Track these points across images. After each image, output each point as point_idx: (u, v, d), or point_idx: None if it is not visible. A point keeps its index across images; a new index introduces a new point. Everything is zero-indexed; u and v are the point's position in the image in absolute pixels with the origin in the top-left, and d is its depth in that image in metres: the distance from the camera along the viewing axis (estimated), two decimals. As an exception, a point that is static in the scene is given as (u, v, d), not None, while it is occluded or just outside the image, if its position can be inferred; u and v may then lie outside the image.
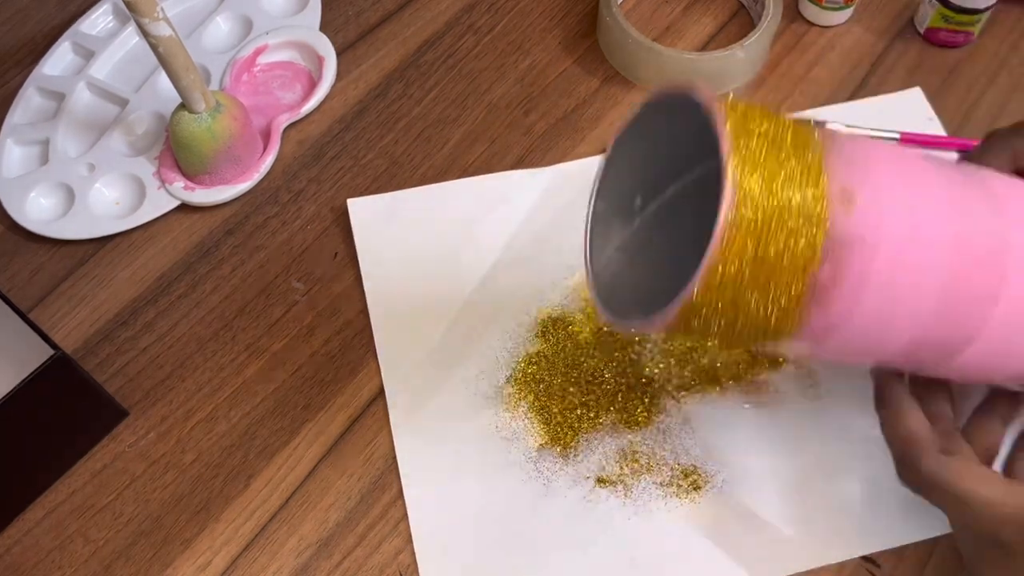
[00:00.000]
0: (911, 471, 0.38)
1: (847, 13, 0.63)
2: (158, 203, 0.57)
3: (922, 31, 0.63)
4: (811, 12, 0.64)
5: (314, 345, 0.52)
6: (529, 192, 0.56)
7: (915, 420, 0.39)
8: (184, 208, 0.57)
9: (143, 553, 0.46)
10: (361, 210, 0.56)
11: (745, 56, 0.59)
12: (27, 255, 0.56)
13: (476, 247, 0.54)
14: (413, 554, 0.46)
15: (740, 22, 0.65)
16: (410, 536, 0.46)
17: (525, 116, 0.61)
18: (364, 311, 0.53)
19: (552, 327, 0.51)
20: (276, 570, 0.46)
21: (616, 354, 0.50)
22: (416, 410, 0.49)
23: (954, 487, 0.36)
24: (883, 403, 0.40)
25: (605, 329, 0.51)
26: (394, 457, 0.48)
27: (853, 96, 0.61)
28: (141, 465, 0.49)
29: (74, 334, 0.53)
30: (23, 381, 0.41)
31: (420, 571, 0.45)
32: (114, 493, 0.48)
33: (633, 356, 0.50)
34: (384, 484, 0.48)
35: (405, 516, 0.47)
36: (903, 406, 0.39)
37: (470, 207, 0.56)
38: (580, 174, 0.57)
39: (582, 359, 0.50)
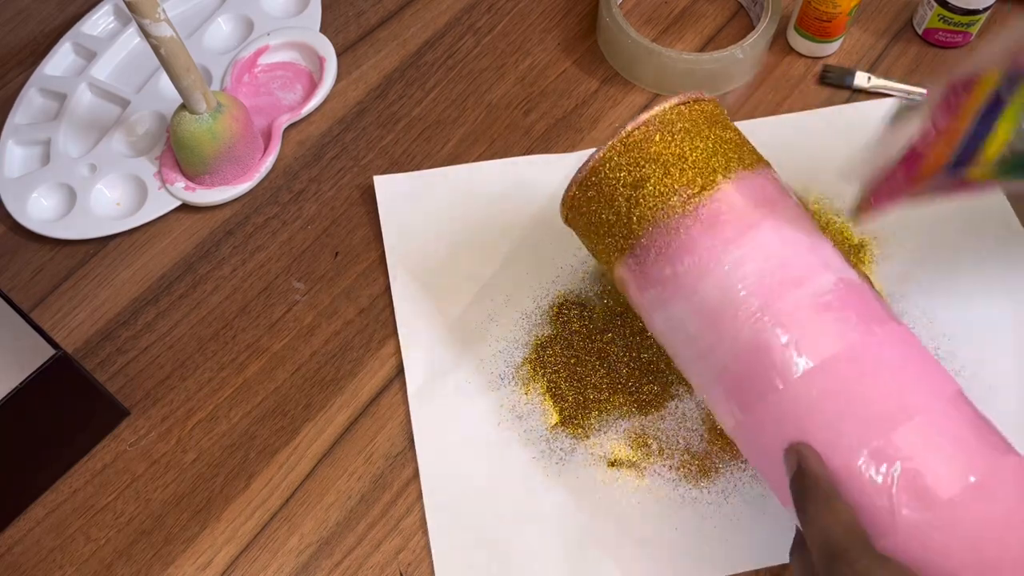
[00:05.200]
0: (850, 567, 0.33)
1: (835, 45, 0.63)
2: (159, 203, 0.57)
3: (921, 32, 0.64)
4: (799, 43, 0.63)
5: (314, 345, 0.52)
6: (552, 176, 0.57)
7: (850, 510, 0.35)
8: (185, 208, 0.57)
9: (144, 552, 0.46)
10: (386, 187, 0.57)
11: (744, 57, 0.59)
12: (28, 255, 0.56)
13: (498, 228, 0.55)
14: (413, 552, 0.46)
15: (739, 23, 0.65)
16: (410, 535, 0.46)
17: (525, 116, 0.61)
18: (364, 311, 0.53)
19: (568, 310, 0.52)
20: (277, 569, 0.46)
21: (630, 339, 0.51)
22: (433, 385, 0.50)
23: None
24: (813, 491, 0.35)
25: (620, 314, 0.52)
26: (395, 456, 0.49)
27: (852, 97, 0.61)
28: (142, 464, 0.49)
29: (75, 334, 0.53)
30: (24, 381, 0.41)
31: (432, 543, 0.46)
32: (115, 492, 0.48)
33: (648, 341, 0.51)
34: (385, 483, 0.48)
35: (406, 515, 0.47)
36: (836, 493, 0.35)
37: (493, 189, 0.57)
38: None
39: (596, 343, 0.51)
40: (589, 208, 0.43)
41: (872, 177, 0.40)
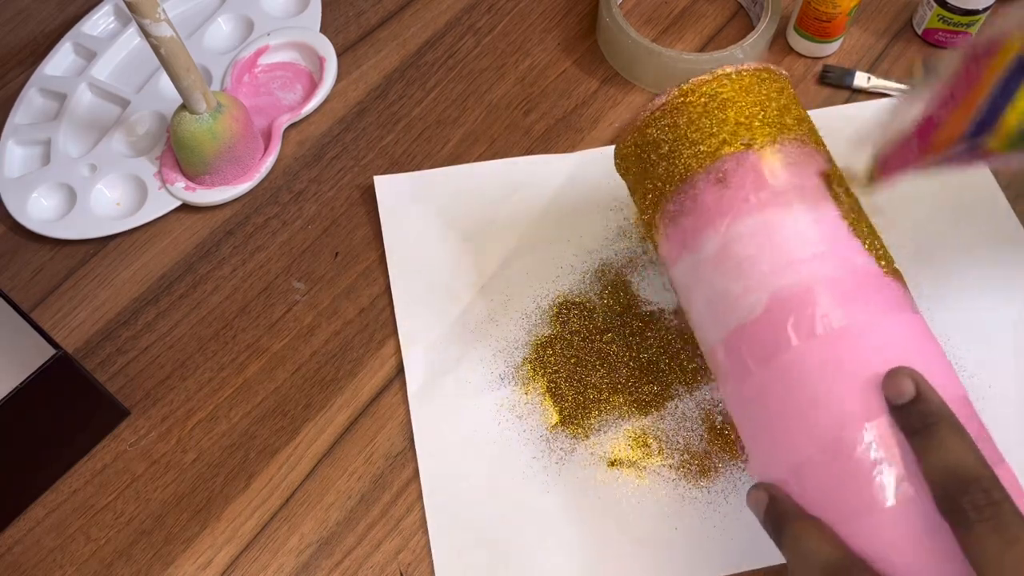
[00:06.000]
0: (985, 494, 0.32)
1: (835, 45, 0.63)
2: (159, 203, 0.57)
3: (920, 32, 0.64)
4: (799, 43, 0.63)
5: (314, 345, 0.52)
6: (553, 176, 0.57)
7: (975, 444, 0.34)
8: (185, 208, 0.57)
9: (144, 552, 0.46)
10: (387, 187, 0.57)
11: (744, 57, 0.59)
12: (28, 255, 0.56)
13: (498, 228, 0.55)
14: (413, 552, 0.46)
15: (739, 23, 0.65)
16: (410, 535, 0.46)
17: (525, 116, 0.61)
18: (364, 311, 0.53)
19: (569, 311, 0.52)
20: (277, 569, 0.46)
21: (630, 339, 0.51)
22: (433, 385, 0.50)
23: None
24: (939, 418, 0.34)
25: (620, 314, 0.52)
26: (395, 456, 0.49)
27: (852, 97, 0.61)
28: (142, 464, 0.49)
29: (75, 334, 0.53)
30: (25, 381, 0.41)
31: (432, 543, 0.46)
32: (115, 492, 0.48)
33: (647, 341, 0.51)
34: (385, 483, 0.48)
35: (406, 515, 0.47)
36: (961, 424, 0.34)
37: (494, 189, 0.57)
38: (604, 160, 0.57)
39: (597, 343, 0.51)
40: (695, 107, 0.42)
41: (886, 144, 0.39)
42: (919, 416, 0.34)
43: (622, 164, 0.47)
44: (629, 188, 0.47)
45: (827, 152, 0.43)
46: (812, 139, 0.43)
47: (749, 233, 0.39)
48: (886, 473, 0.34)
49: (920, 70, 0.37)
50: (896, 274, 0.40)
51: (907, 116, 0.37)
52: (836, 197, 0.40)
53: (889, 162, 0.39)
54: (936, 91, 0.36)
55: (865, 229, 0.40)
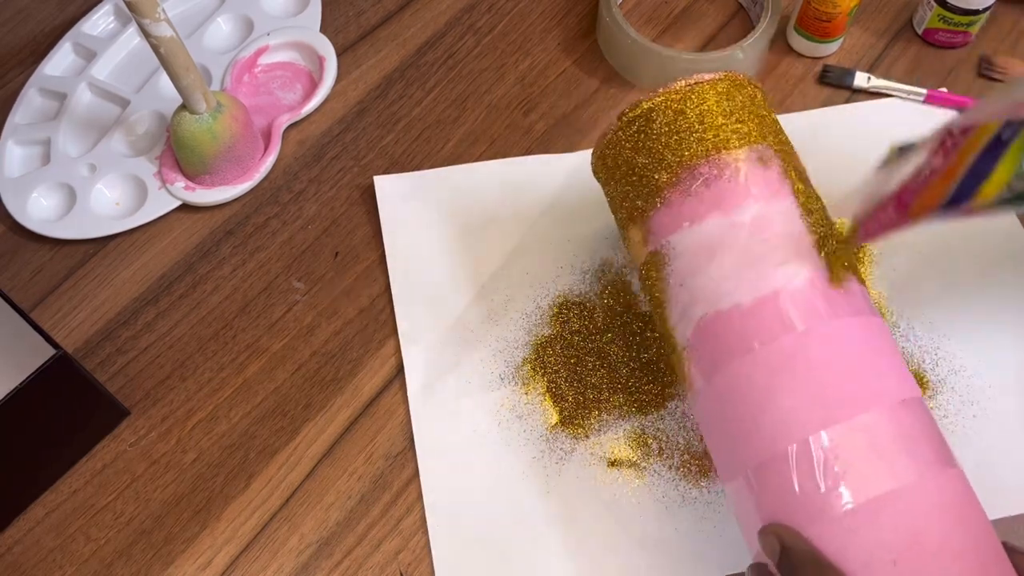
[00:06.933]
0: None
1: (835, 45, 0.63)
2: (159, 203, 0.57)
3: (920, 32, 0.64)
4: (799, 43, 0.63)
5: (314, 345, 0.52)
6: (553, 176, 0.57)
7: None
8: (185, 208, 0.57)
9: (144, 552, 0.46)
10: (387, 187, 0.57)
11: (744, 57, 0.59)
12: (28, 255, 0.56)
13: (498, 228, 0.56)
14: (413, 552, 0.46)
15: (739, 23, 0.65)
16: (410, 535, 0.46)
17: (525, 116, 0.61)
18: (364, 311, 0.53)
19: (569, 311, 0.52)
20: (277, 569, 0.46)
21: (630, 339, 0.51)
22: (433, 385, 0.50)
23: None
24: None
25: (620, 313, 0.52)
26: (395, 456, 0.49)
27: (852, 97, 0.61)
28: (142, 464, 0.49)
29: (75, 334, 0.53)
30: (24, 381, 0.41)
31: (432, 543, 0.46)
32: (115, 492, 0.48)
33: (647, 341, 0.51)
34: (385, 483, 0.48)
35: (406, 515, 0.47)
36: None
37: (494, 189, 0.57)
38: None
39: (596, 343, 0.51)
40: (743, 96, 0.44)
41: (863, 211, 0.40)
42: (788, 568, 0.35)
43: (648, 114, 0.45)
44: (637, 143, 0.45)
45: None
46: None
47: (790, 213, 0.41)
48: (847, 480, 0.35)
49: (895, 154, 0.39)
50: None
51: (884, 189, 0.39)
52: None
53: (867, 226, 0.40)
54: (913, 167, 0.37)
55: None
